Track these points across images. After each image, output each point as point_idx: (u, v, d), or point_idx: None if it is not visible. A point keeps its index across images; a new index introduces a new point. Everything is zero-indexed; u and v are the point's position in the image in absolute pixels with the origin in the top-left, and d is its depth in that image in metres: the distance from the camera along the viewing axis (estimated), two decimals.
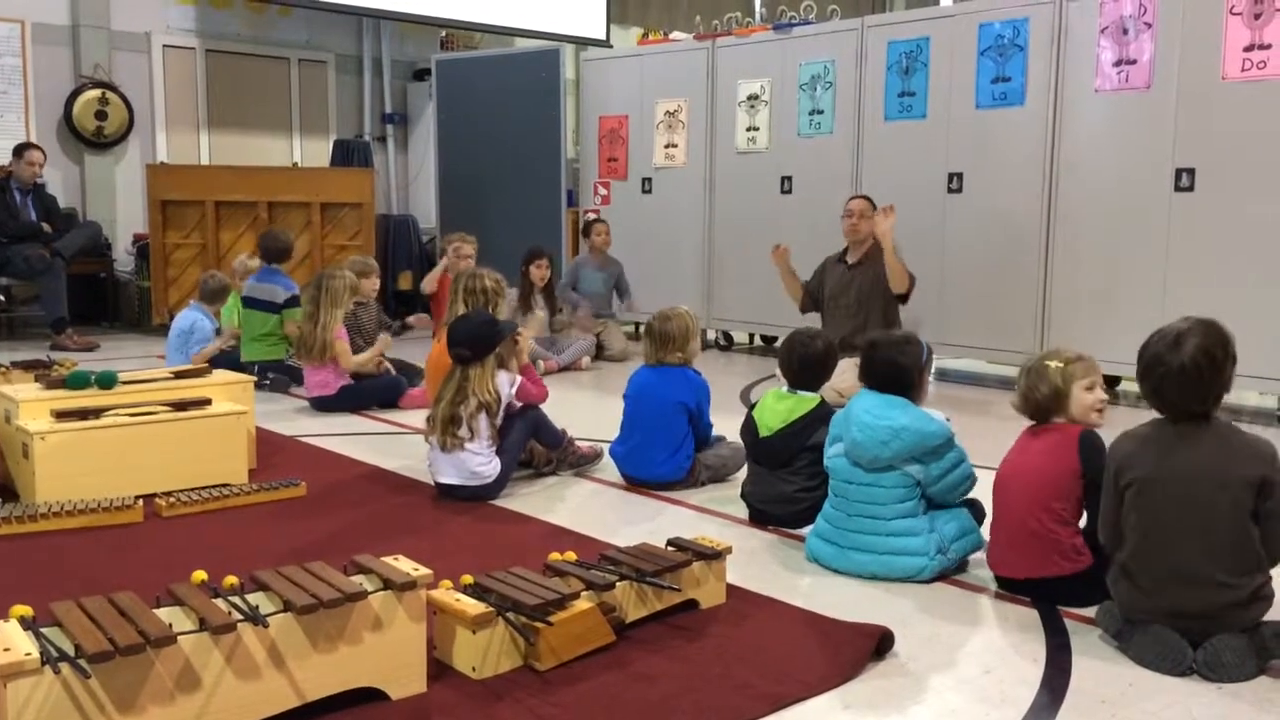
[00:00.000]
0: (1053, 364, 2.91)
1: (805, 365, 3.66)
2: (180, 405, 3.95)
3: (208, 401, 4.03)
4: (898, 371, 3.17)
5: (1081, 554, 2.79)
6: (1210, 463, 2.45)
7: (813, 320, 5.92)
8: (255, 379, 4.67)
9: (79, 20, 8.91)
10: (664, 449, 4.00)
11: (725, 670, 2.44)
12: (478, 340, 3.85)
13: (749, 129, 7.67)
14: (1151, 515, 2.51)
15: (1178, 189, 5.64)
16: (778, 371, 3.97)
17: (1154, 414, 2.62)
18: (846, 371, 4.70)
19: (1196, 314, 2.54)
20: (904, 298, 5.72)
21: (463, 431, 3.79)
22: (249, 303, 6.16)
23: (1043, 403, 2.91)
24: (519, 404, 3.98)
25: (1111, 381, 6.50)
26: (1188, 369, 2.44)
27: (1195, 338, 2.45)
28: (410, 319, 6.78)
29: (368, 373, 5.63)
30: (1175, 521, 2.47)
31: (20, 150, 8.02)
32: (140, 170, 8.89)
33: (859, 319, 5.70)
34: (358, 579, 2.29)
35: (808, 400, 3.59)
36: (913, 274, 5.67)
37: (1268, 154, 5.34)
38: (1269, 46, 5.30)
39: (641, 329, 4.19)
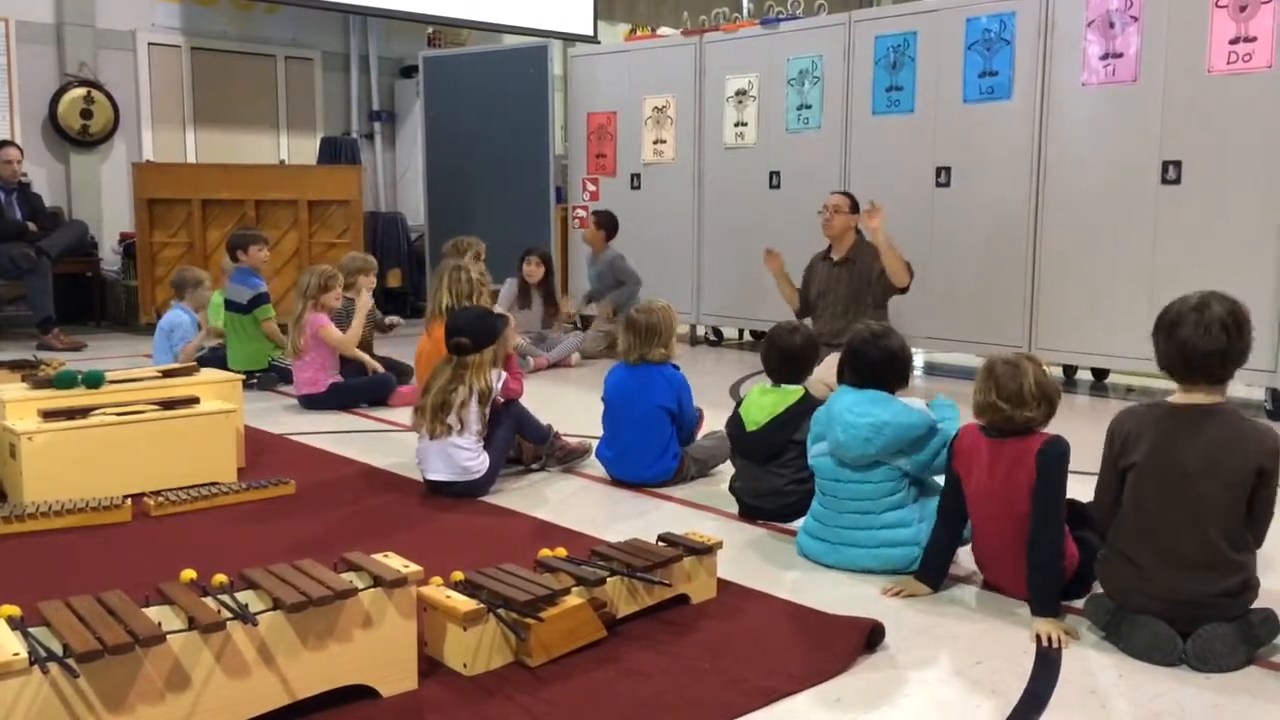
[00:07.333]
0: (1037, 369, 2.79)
1: (785, 359, 3.66)
2: (168, 404, 3.94)
3: (195, 400, 4.01)
4: (876, 364, 3.17)
5: (1071, 558, 2.77)
6: (1213, 450, 2.45)
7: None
8: (243, 377, 4.65)
9: (64, 18, 8.86)
10: (650, 453, 3.99)
11: (716, 665, 2.44)
12: (479, 331, 3.87)
13: (737, 124, 7.67)
14: (1153, 499, 2.51)
15: (1164, 182, 5.66)
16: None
17: (1146, 399, 2.63)
18: (835, 366, 4.70)
19: None
20: (905, 289, 5.72)
21: (451, 419, 3.79)
22: (228, 305, 6.13)
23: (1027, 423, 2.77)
24: (502, 399, 3.98)
25: (1100, 374, 6.53)
26: (1213, 329, 2.43)
27: (1218, 304, 2.47)
28: (391, 318, 6.72)
29: (363, 358, 5.60)
30: (1176, 507, 2.48)
31: None
32: (126, 169, 8.86)
33: (847, 316, 5.69)
34: (348, 576, 2.28)
35: (792, 393, 3.59)
36: (908, 262, 5.67)
37: (1254, 146, 5.35)
38: (1254, 39, 5.31)
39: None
